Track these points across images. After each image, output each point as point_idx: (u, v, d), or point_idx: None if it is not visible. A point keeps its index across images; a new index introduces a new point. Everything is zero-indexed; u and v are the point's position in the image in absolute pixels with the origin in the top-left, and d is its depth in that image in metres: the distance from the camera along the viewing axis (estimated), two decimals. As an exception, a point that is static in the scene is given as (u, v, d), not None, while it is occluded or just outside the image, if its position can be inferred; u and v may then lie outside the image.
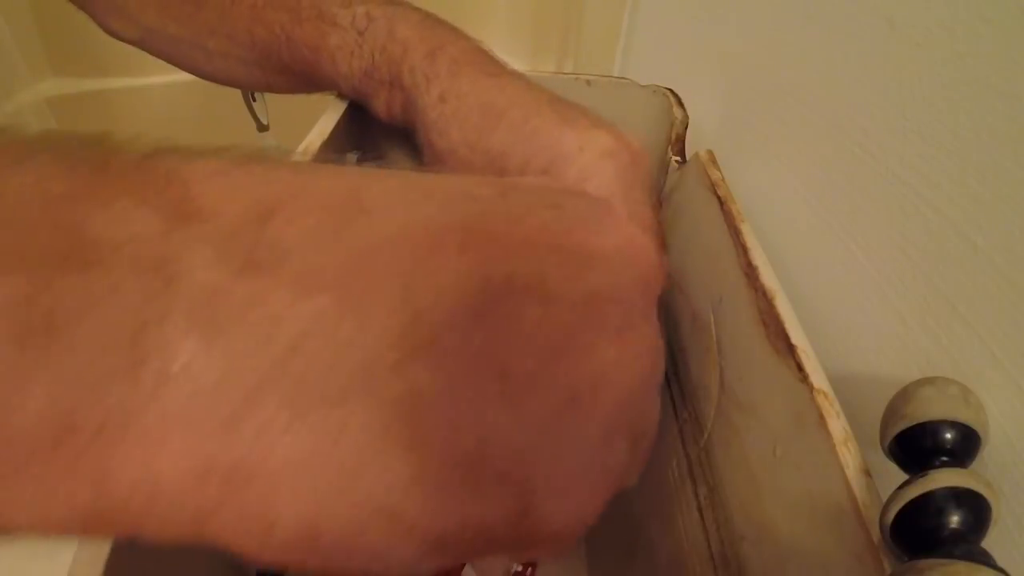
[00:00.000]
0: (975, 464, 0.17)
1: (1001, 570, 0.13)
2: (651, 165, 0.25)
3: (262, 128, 0.89)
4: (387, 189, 0.14)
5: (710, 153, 0.29)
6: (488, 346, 0.13)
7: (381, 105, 0.29)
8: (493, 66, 0.26)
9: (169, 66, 0.37)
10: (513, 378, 0.13)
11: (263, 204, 0.12)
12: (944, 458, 0.16)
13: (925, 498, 0.15)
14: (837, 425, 0.18)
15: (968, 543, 0.14)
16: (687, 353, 0.30)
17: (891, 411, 0.17)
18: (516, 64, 0.28)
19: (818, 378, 0.19)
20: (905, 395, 0.17)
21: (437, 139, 0.26)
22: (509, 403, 0.13)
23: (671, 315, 0.33)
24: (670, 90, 0.34)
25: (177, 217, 0.11)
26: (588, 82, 0.35)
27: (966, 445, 0.16)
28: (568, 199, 0.17)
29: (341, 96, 0.32)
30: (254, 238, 0.12)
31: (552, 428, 0.13)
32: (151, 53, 0.36)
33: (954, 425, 0.16)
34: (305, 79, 0.32)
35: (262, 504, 0.11)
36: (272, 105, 0.88)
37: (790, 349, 0.20)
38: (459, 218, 0.14)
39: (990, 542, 0.15)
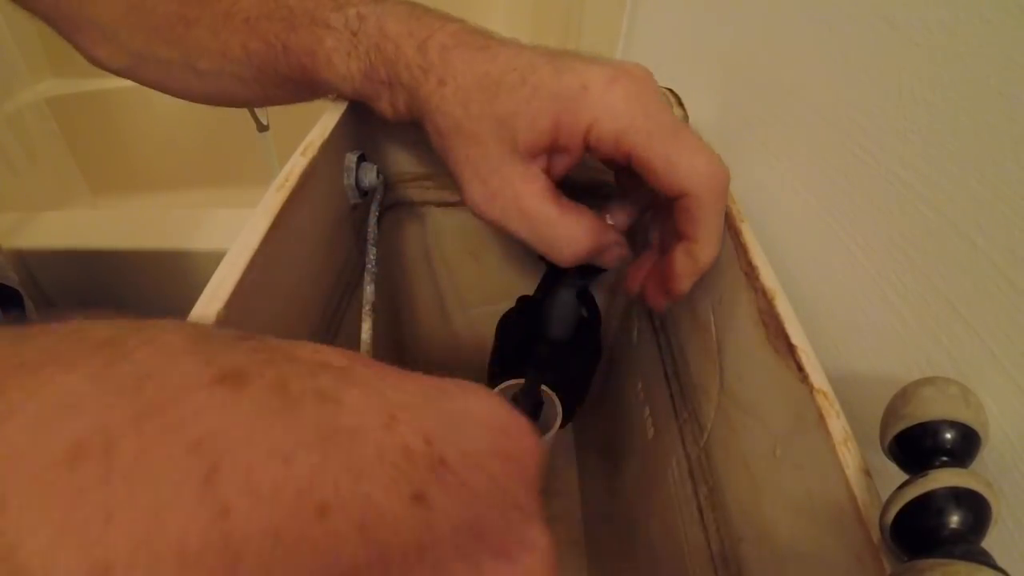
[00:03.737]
0: (975, 464, 0.17)
1: (1001, 570, 0.13)
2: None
3: (262, 128, 0.89)
4: None
5: (710, 153, 0.28)
6: None
7: (386, 106, 0.29)
8: (482, 39, 0.27)
9: (169, 66, 0.37)
10: None
11: None
12: (944, 458, 0.16)
13: (925, 498, 0.15)
14: (837, 425, 0.18)
15: (968, 543, 0.14)
16: (687, 353, 0.30)
17: (891, 411, 0.17)
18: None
19: (818, 378, 0.19)
20: (905, 395, 0.17)
21: (441, 120, 0.26)
22: None
23: (671, 315, 0.33)
24: (670, 90, 0.34)
25: None
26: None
27: (966, 445, 0.16)
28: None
29: (341, 98, 0.32)
30: None
31: None
32: (138, 81, 0.36)
33: (954, 425, 0.16)
34: (304, 88, 0.32)
35: None
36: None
37: (790, 349, 0.20)
38: None
39: (990, 542, 0.15)
